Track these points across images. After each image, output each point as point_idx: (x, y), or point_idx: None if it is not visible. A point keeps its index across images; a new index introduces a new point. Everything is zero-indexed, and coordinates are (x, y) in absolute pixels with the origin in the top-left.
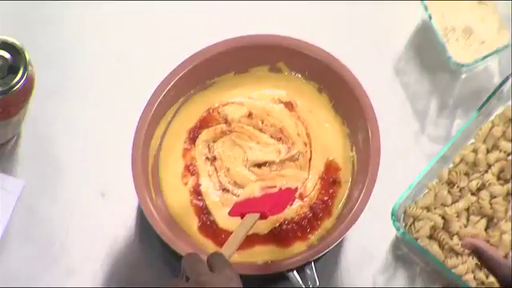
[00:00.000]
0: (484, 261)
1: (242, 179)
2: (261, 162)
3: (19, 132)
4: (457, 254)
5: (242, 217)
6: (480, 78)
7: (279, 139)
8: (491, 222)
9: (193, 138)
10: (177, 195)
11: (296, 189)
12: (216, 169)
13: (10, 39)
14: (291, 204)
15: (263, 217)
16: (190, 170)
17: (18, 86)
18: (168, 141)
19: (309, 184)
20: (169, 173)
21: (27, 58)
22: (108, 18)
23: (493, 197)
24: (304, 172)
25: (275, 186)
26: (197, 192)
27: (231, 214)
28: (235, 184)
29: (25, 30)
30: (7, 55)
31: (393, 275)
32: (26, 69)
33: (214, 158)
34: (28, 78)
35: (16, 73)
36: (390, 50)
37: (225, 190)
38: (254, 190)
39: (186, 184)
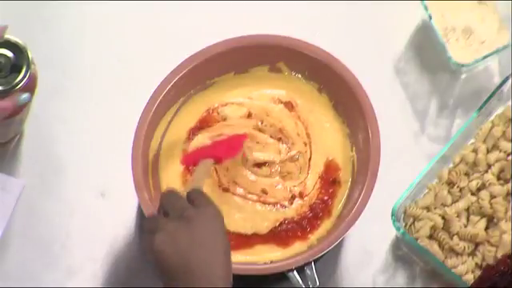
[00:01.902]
0: None
1: (242, 179)
2: (261, 162)
3: (22, 131)
4: (457, 254)
5: (195, 165)
6: (480, 77)
7: (279, 139)
8: (491, 222)
9: (192, 138)
10: None
11: (244, 135)
12: (216, 169)
13: (13, 38)
14: (238, 151)
15: (218, 161)
16: (190, 170)
17: (20, 84)
18: (168, 141)
19: (308, 183)
20: (169, 173)
21: (30, 56)
22: (108, 18)
23: (493, 197)
24: (248, 120)
25: (222, 134)
26: None
27: (183, 162)
28: (235, 183)
29: (25, 30)
30: (10, 54)
31: (393, 275)
32: (28, 67)
33: None
34: (31, 76)
35: (19, 72)
36: (390, 50)
37: (224, 189)
38: (202, 140)
39: (185, 184)
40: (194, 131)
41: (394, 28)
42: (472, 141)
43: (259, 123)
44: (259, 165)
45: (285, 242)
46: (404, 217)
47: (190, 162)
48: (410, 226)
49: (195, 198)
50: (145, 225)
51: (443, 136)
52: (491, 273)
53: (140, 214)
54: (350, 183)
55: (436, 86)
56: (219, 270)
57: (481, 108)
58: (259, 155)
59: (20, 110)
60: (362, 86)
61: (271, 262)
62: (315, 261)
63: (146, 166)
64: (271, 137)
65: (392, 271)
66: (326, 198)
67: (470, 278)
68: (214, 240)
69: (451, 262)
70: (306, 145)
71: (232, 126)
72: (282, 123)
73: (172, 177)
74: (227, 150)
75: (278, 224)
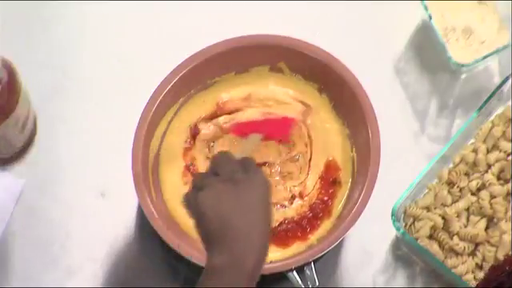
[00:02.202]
0: None
1: None
2: (260, 163)
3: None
4: (457, 253)
5: (243, 137)
6: (480, 77)
7: (280, 140)
8: (491, 222)
9: (194, 134)
10: (177, 195)
11: (293, 119)
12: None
13: None
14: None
15: (267, 137)
16: (190, 169)
17: None
18: (168, 141)
19: (309, 184)
20: (169, 172)
21: None
22: (108, 18)
23: (493, 197)
24: (299, 104)
25: (274, 113)
26: None
27: (234, 132)
28: None
29: (25, 30)
30: None
31: (393, 275)
32: None
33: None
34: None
35: None
36: (390, 50)
37: None
38: (254, 113)
39: (186, 183)
40: (196, 128)
41: (394, 28)
42: (472, 141)
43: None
44: (259, 165)
45: (284, 242)
46: (404, 217)
47: (240, 132)
48: (410, 226)
49: (247, 163)
50: (193, 181)
51: (443, 136)
52: (497, 273)
53: (140, 214)
54: (350, 183)
55: (436, 86)
56: (257, 237)
57: (481, 108)
58: (258, 155)
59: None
60: (362, 86)
61: (271, 262)
62: (315, 261)
63: (146, 166)
64: None
65: (392, 271)
66: (325, 198)
67: (469, 277)
68: (258, 207)
69: (451, 262)
70: (306, 145)
71: (286, 107)
72: None
73: (172, 177)
74: (277, 129)
75: (277, 224)
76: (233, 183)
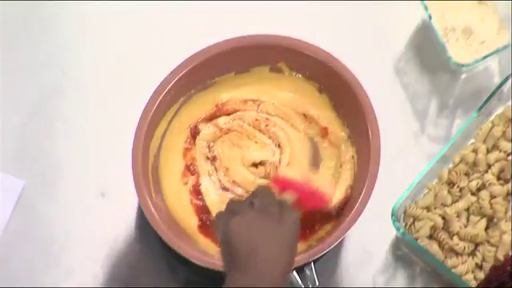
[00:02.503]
0: None
1: (241, 178)
2: (257, 162)
3: None
4: (457, 253)
5: (280, 191)
6: (480, 77)
7: (279, 145)
8: (491, 222)
9: (194, 135)
10: (177, 195)
11: (328, 201)
12: (216, 168)
13: None
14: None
15: (299, 203)
16: (191, 169)
17: None
18: (168, 141)
19: None
20: (169, 172)
21: None
22: (108, 18)
23: (493, 197)
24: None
25: (314, 182)
26: (197, 191)
27: (274, 182)
28: (234, 183)
29: (25, 30)
30: None
31: (393, 275)
32: None
33: (214, 158)
34: None
35: None
36: (390, 50)
37: (224, 188)
38: (297, 174)
39: (186, 184)
40: (196, 128)
41: (393, 28)
42: (472, 141)
43: (262, 125)
44: (256, 164)
45: None
46: (404, 217)
47: (280, 185)
48: (410, 226)
49: (283, 202)
50: (228, 205)
51: (443, 136)
52: (498, 273)
53: (140, 214)
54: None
55: (436, 86)
56: (282, 264)
57: (481, 108)
58: (256, 155)
59: None
60: (362, 85)
61: None
62: (315, 261)
63: (146, 166)
64: (270, 138)
65: (392, 271)
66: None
67: (469, 277)
68: (285, 239)
69: (451, 262)
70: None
71: (324, 183)
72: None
73: (172, 176)
74: (312, 201)
75: None
76: (266, 215)
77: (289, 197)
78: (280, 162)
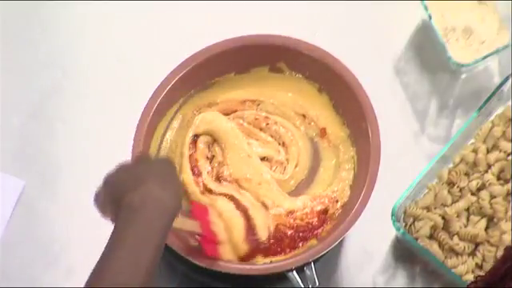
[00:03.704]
0: None
1: (242, 176)
2: (261, 157)
3: None
4: (457, 253)
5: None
6: (480, 77)
7: (283, 144)
8: (491, 222)
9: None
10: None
11: (218, 253)
12: (217, 167)
13: None
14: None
15: (199, 237)
16: (195, 171)
17: None
18: (168, 141)
19: None
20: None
21: None
22: (107, 18)
23: (493, 197)
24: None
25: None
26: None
27: (193, 208)
28: (236, 180)
29: (25, 30)
30: None
31: (393, 275)
32: None
33: (213, 157)
34: None
35: None
36: (390, 50)
37: (224, 182)
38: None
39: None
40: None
41: (393, 28)
42: (472, 141)
43: (263, 124)
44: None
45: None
46: (404, 217)
47: (196, 212)
48: (410, 225)
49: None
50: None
51: (443, 136)
52: None
53: None
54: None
55: (436, 86)
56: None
57: (481, 108)
58: (259, 150)
59: None
60: (362, 86)
61: (271, 262)
62: (315, 261)
63: None
64: (271, 136)
65: (392, 271)
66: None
67: (469, 277)
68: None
69: (451, 262)
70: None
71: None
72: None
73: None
74: (207, 244)
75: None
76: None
77: (194, 225)
78: (288, 162)
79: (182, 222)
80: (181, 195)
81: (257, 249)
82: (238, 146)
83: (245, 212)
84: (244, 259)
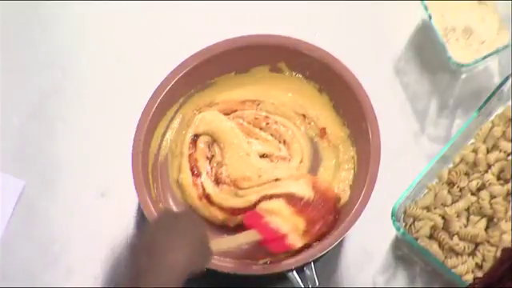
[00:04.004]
0: None
1: (240, 175)
2: (261, 154)
3: None
4: (457, 253)
5: (245, 227)
6: (480, 77)
7: (284, 142)
8: (491, 222)
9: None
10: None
11: (292, 246)
12: (216, 167)
13: None
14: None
15: (263, 242)
16: (194, 171)
17: None
18: (168, 141)
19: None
20: (169, 172)
21: None
22: (107, 18)
23: (493, 197)
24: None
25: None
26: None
27: (247, 216)
28: (234, 180)
29: (25, 30)
30: None
31: (393, 275)
32: None
33: (213, 157)
34: None
35: None
36: (390, 50)
37: (223, 184)
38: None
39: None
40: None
41: (393, 28)
42: (472, 141)
43: (263, 123)
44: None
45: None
46: (404, 217)
47: (250, 220)
48: (410, 225)
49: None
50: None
51: (443, 136)
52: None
53: (140, 214)
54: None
55: (436, 86)
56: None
57: (481, 108)
58: (259, 148)
59: None
60: (362, 86)
61: (271, 262)
62: (315, 261)
63: (146, 166)
64: (272, 135)
65: (392, 271)
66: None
67: (469, 277)
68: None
69: (451, 262)
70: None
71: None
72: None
73: (172, 176)
74: (272, 240)
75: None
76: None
77: (250, 234)
78: (291, 158)
79: (233, 240)
80: (210, 258)
81: (318, 215)
82: (237, 145)
83: (284, 196)
84: (317, 235)
